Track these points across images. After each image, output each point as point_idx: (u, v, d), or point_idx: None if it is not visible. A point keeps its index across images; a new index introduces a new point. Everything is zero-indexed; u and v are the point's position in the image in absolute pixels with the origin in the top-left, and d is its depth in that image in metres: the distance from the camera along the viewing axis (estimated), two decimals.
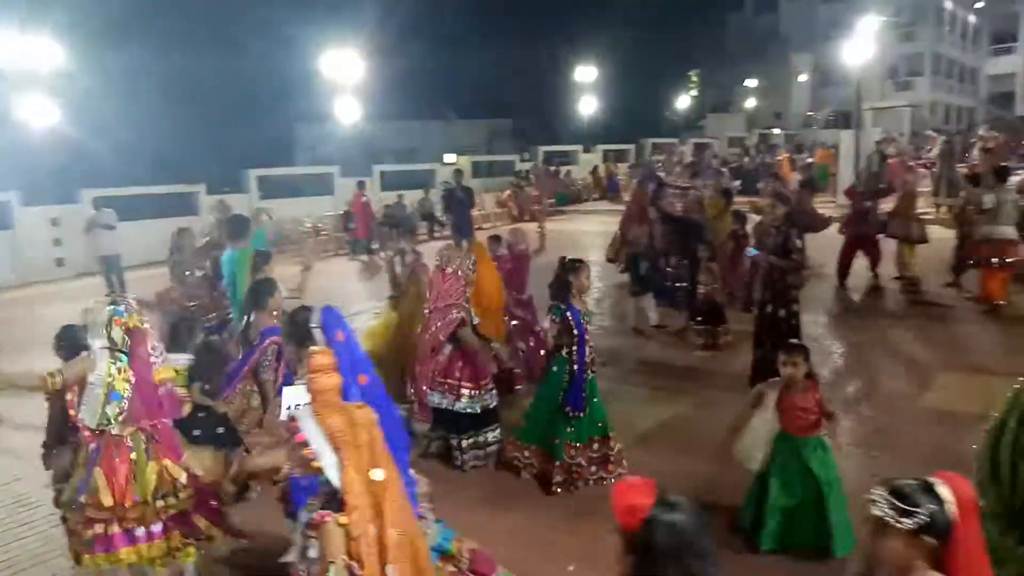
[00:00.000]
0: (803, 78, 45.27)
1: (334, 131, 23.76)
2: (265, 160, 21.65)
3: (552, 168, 25.49)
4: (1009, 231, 8.40)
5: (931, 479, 1.75)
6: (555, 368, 4.60)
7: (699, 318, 7.63)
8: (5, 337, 9.02)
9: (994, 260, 8.37)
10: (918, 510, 1.69)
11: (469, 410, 4.96)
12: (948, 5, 43.93)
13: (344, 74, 21.88)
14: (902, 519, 1.69)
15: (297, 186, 20.27)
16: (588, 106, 32.44)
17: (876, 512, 1.73)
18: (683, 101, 45.26)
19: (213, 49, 24.69)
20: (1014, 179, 9.77)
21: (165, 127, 19.57)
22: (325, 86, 22.56)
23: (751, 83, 43.91)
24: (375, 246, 15.53)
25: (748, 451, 3.90)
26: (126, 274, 12.23)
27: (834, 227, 10.10)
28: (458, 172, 16.09)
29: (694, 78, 46.15)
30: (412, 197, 18.39)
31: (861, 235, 9.81)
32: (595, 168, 26.10)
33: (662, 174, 9.92)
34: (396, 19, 29.63)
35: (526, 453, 4.80)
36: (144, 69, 20.30)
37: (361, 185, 17.01)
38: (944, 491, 1.71)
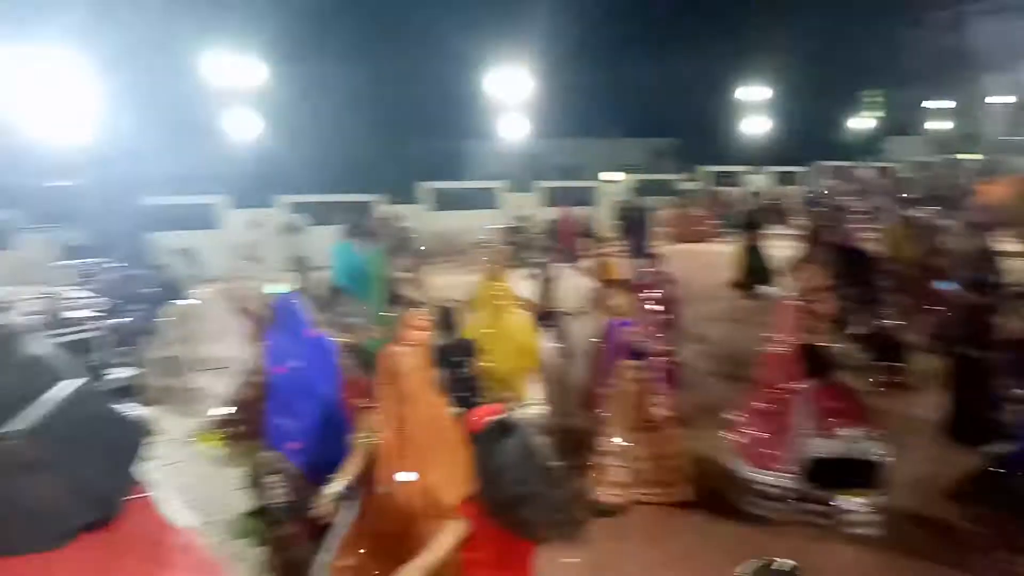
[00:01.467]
0: (997, 99, 41.25)
1: (501, 147, 24.58)
2: (437, 173, 22.68)
3: (720, 189, 24.90)
4: None
5: None
6: None
7: (876, 354, 7.21)
8: (206, 323, 10.14)
9: None
10: None
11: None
12: None
13: (511, 92, 22.65)
14: None
15: (465, 199, 21.15)
16: (756, 125, 31.39)
17: None
18: (859, 122, 42.57)
19: (392, 64, 26.16)
20: None
21: (349, 138, 21.09)
22: (494, 103, 23.43)
23: (935, 104, 40.65)
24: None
25: None
26: (313, 274, 13.35)
27: None
28: (637, 191, 16.13)
29: (871, 98, 43.35)
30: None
31: None
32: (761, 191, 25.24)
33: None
34: (564, 35, 30.09)
35: None
36: (332, 83, 21.90)
37: (568, 201, 17.41)
38: None
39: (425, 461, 2.88)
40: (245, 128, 18.40)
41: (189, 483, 4.84)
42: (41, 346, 3.89)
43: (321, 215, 15.79)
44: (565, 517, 2.28)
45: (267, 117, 19.19)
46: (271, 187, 17.72)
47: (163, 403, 7.45)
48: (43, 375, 3.56)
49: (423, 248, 13.45)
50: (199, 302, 9.48)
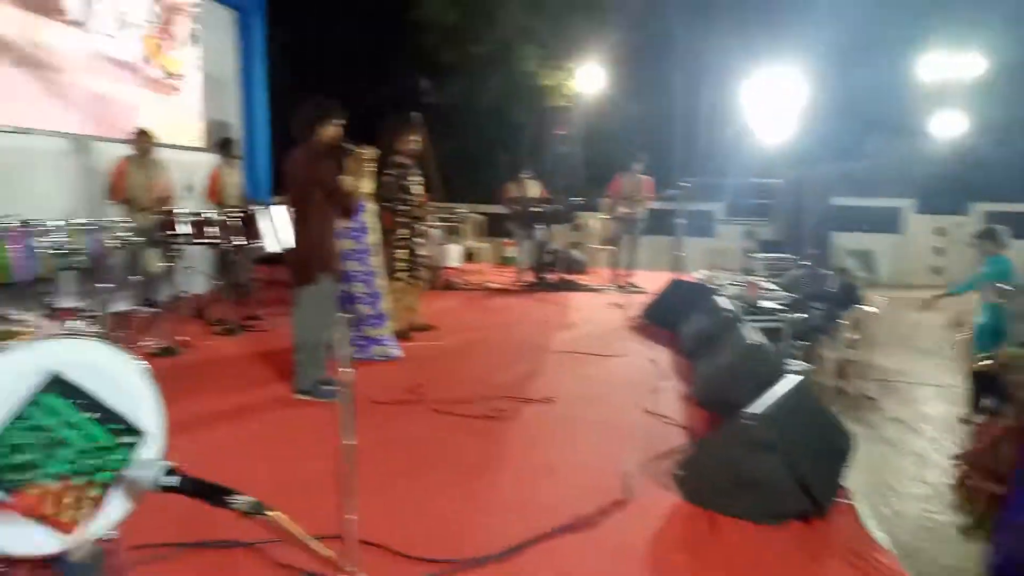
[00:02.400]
0: None
1: None
2: None
3: None
4: None
5: None
6: None
7: None
8: (877, 331, 10.00)
9: None
10: None
11: None
12: None
13: None
14: None
15: None
16: None
17: None
18: None
19: None
20: None
21: None
22: None
23: None
24: None
25: None
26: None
27: None
28: None
29: None
30: None
31: None
32: None
33: None
34: None
35: None
36: None
37: None
38: None
39: None
40: (947, 128, 17.16)
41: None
42: (754, 333, 4.57)
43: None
44: None
45: (977, 116, 17.44)
46: (968, 193, 16.15)
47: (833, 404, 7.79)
48: (768, 362, 4.19)
49: None
50: (876, 309, 9.46)
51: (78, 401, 1.28)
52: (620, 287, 10.58)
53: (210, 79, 10.11)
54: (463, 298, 9.64)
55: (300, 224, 4.76)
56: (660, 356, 6.49)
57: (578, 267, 12.24)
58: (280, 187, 5.04)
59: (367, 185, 5.98)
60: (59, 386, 1.26)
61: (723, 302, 6.93)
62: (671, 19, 15.88)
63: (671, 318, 7.42)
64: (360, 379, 5.43)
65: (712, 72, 16.04)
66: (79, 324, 1.36)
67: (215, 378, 5.45)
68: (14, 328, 1.35)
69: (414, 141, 6.83)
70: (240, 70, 11.17)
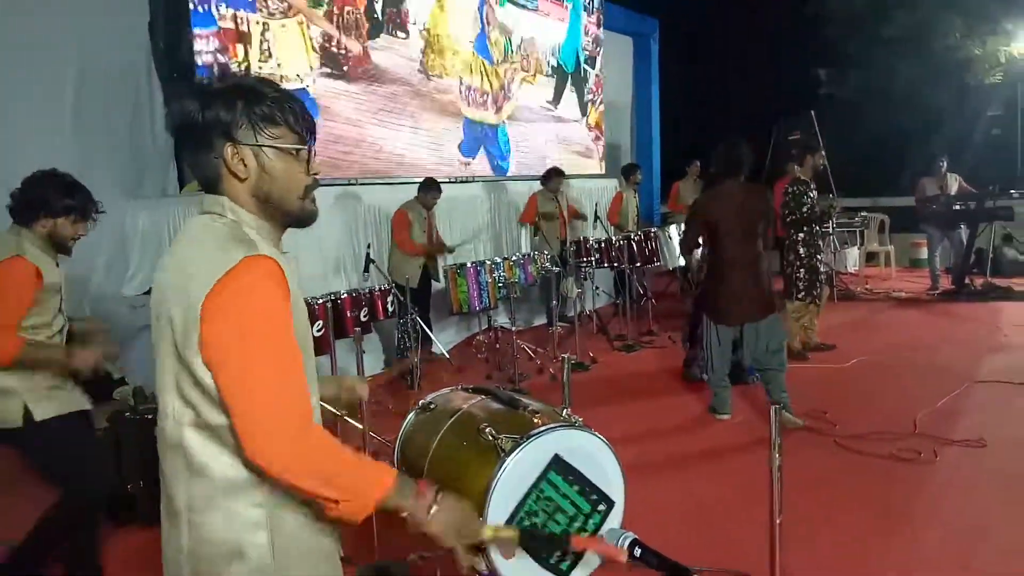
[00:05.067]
0: None
1: None
2: None
3: None
4: None
5: None
6: None
7: None
8: None
9: None
10: None
11: None
12: None
13: None
14: None
15: None
16: None
17: None
18: None
19: None
20: None
21: None
22: None
23: None
24: None
25: None
26: None
27: None
28: None
29: None
30: None
31: None
32: None
33: None
34: None
35: None
36: None
37: None
38: None
39: None
40: None
41: None
42: None
43: None
44: None
45: None
46: None
47: None
48: None
49: None
50: None
51: (569, 477, 1.67)
52: None
53: (609, 107, 10.93)
54: (865, 310, 8.93)
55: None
56: None
57: (1014, 270, 10.45)
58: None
59: None
60: (558, 465, 1.66)
61: None
62: None
63: None
64: (752, 404, 5.44)
65: None
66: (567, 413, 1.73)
67: (624, 395, 5.93)
68: (527, 415, 1.78)
69: (820, 158, 6.51)
70: (634, 95, 11.88)
